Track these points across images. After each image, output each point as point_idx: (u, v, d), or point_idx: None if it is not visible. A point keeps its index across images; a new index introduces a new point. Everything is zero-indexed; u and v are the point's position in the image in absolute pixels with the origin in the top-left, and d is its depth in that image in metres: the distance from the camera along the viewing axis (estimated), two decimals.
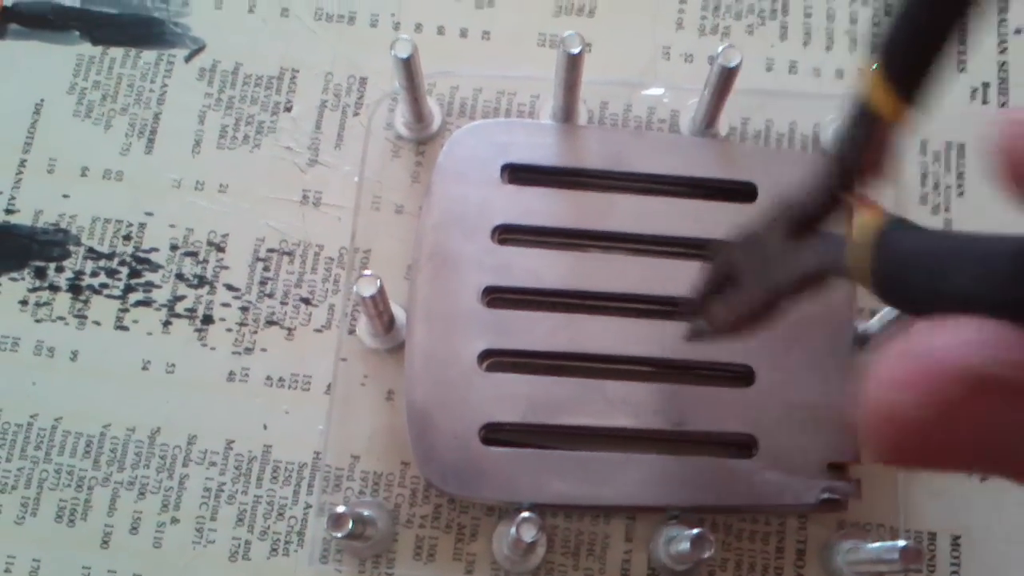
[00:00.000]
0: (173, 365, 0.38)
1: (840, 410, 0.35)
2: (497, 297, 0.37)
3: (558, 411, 0.35)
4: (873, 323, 0.36)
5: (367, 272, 0.33)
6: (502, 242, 0.37)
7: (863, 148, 0.26)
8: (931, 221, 0.40)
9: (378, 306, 0.34)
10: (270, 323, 0.38)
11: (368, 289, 0.33)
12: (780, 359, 0.36)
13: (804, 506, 0.35)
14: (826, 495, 0.35)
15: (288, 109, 0.41)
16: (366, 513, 0.34)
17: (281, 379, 0.38)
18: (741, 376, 0.36)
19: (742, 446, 0.35)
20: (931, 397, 0.17)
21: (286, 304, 0.38)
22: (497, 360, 0.36)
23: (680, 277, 0.36)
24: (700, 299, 0.33)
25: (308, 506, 0.36)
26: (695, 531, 0.32)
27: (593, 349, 0.36)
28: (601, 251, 0.38)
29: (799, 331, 0.36)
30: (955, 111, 0.41)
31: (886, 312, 0.36)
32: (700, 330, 0.33)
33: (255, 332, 0.38)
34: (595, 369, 0.36)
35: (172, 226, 0.39)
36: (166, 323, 0.38)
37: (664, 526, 0.36)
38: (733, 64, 0.35)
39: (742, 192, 0.38)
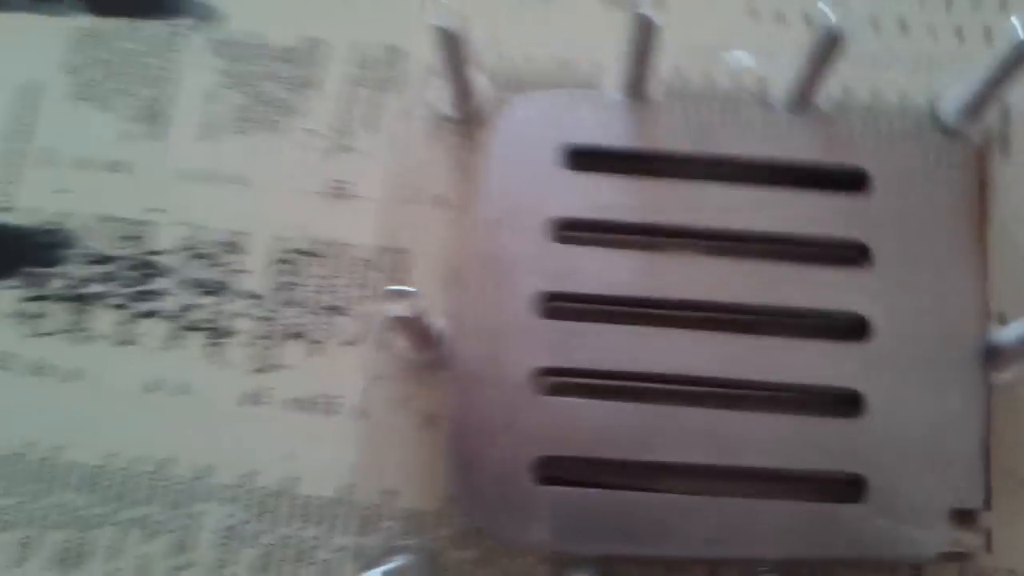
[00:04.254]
0: (185, 385, 0.33)
1: (967, 445, 0.30)
2: (557, 306, 0.31)
3: (627, 444, 0.30)
4: (1009, 332, 0.30)
5: (396, 286, 0.28)
6: (563, 240, 0.32)
7: None
8: None
9: (412, 324, 0.29)
10: (294, 335, 0.33)
11: (398, 306, 0.28)
12: (894, 382, 0.30)
13: (921, 558, 0.29)
14: (948, 548, 0.29)
15: (314, 86, 0.35)
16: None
17: (308, 401, 0.33)
18: (847, 403, 0.30)
19: (847, 487, 0.30)
20: None
21: (313, 314, 0.33)
22: (555, 381, 0.31)
23: (776, 282, 0.31)
24: None
25: (341, 548, 0.32)
26: None
27: (670, 369, 0.31)
28: (681, 251, 0.32)
29: (916, 346, 0.30)
30: None
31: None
32: None
33: (277, 346, 0.33)
34: (672, 393, 0.31)
35: (182, 224, 0.34)
36: (176, 336, 0.33)
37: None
38: (837, 31, 0.29)
39: (850, 180, 0.32)
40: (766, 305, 0.31)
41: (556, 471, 0.30)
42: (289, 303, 0.33)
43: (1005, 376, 0.31)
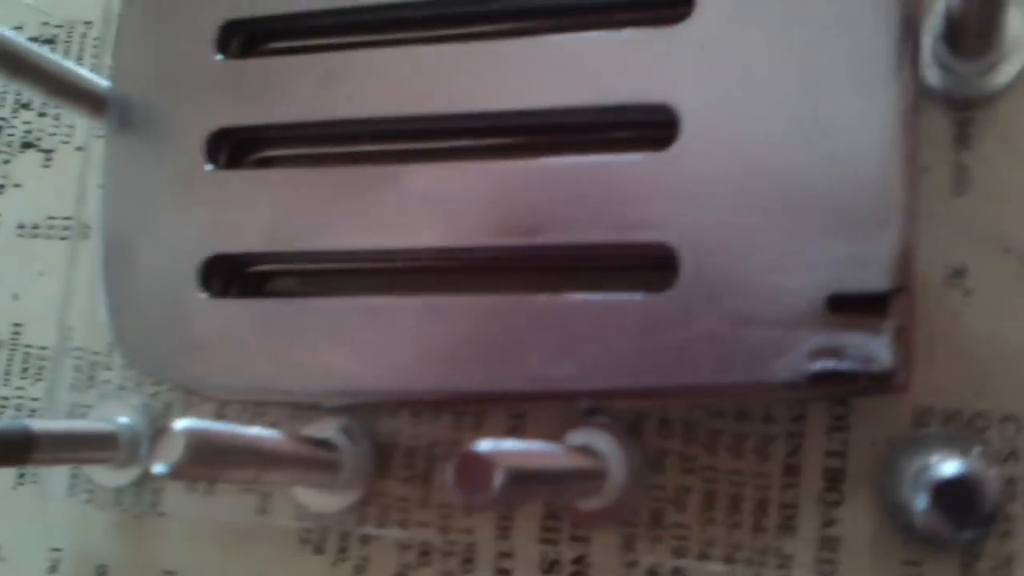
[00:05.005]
0: None
1: (864, 174, 0.16)
2: (249, 39, 0.21)
3: (323, 228, 0.19)
4: None
5: None
6: None
7: None
8: None
9: None
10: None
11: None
12: (727, 93, 0.17)
13: (781, 387, 0.17)
14: (821, 364, 0.16)
15: None
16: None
17: (36, 225, 0.25)
18: (656, 128, 0.18)
19: (656, 269, 0.17)
20: None
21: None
22: (238, 150, 0.21)
23: None
24: None
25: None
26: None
27: (396, 110, 0.20)
28: None
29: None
30: None
31: None
32: None
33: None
34: (391, 151, 0.20)
35: None
36: None
37: (572, 430, 0.19)
38: None
39: None
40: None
41: (241, 278, 0.20)
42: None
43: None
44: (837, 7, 0.17)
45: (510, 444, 0.16)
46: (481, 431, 0.20)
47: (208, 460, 0.16)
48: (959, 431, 0.18)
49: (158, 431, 0.16)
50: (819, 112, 0.16)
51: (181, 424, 0.16)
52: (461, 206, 0.18)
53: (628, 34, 0.18)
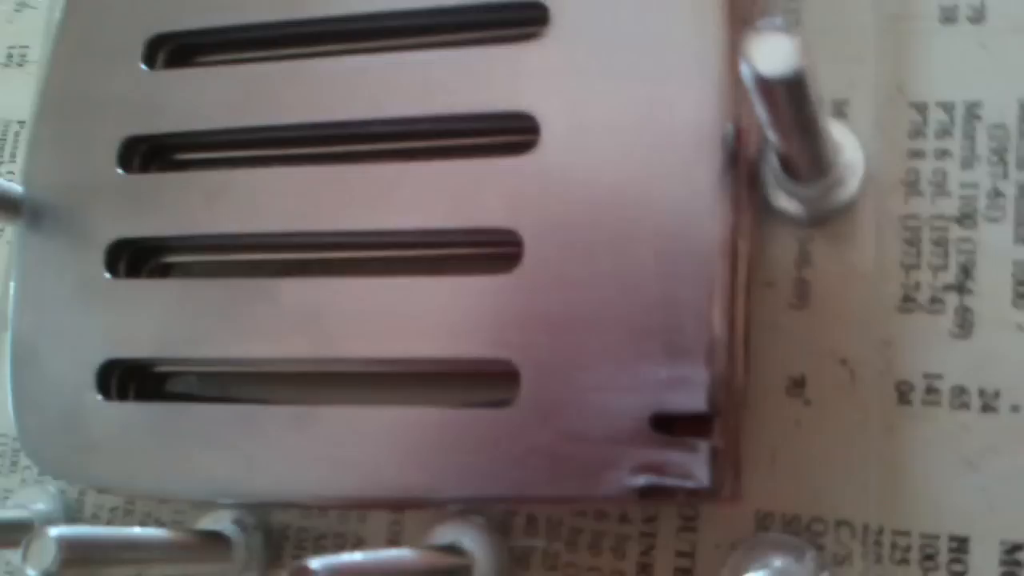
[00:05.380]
0: None
1: (687, 298, 0.17)
2: (149, 155, 0.22)
3: (207, 337, 0.21)
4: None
5: None
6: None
7: None
8: None
9: None
10: None
11: None
12: (566, 225, 0.18)
13: (609, 500, 0.18)
14: (644, 479, 0.17)
15: None
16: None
17: None
18: (502, 258, 0.19)
19: (499, 385, 0.19)
20: None
21: None
22: (136, 259, 0.22)
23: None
24: None
25: None
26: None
27: (278, 225, 0.21)
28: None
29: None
30: None
31: None
32: None
33: None
34: (273, 262, 0.21)
35: None
36: None
37: (440, 525, 0.20)
38: None
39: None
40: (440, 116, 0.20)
41: (139, 379, 0.22)
42: None
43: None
44: (661, 152, 0.18)
45: (357, 556, 0.17)
46: (365, 524, 0.21)
47: (83, 562, 0.17)
48: (798, 535, 0.19)
49: (31, 535, 0.17)
50: (645, 246, 0.17)
51: (54, 530, 0.17)
52: (331, 319, 0.19)
53: (479, 166, 0.19)
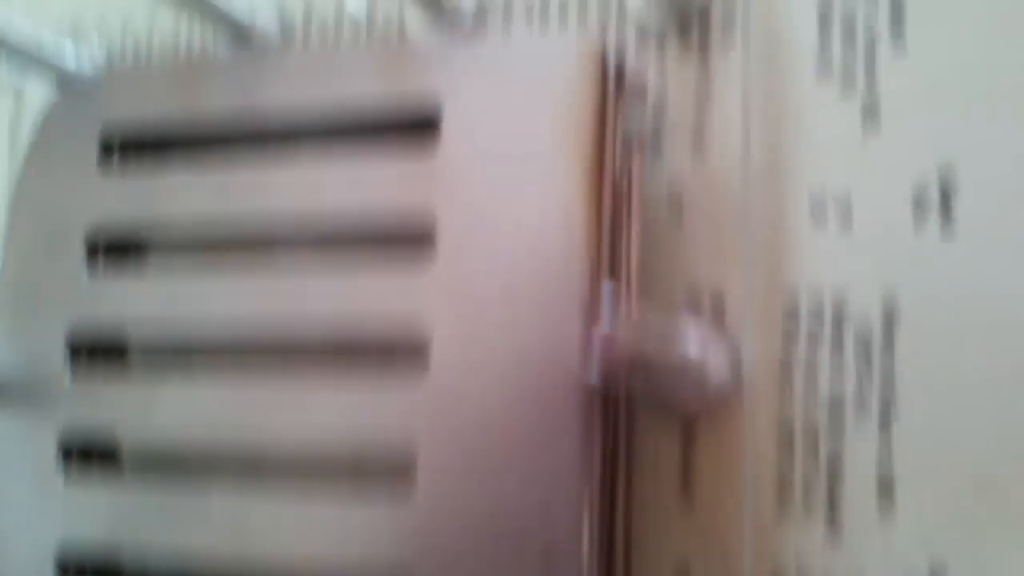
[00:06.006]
0: None
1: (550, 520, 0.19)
2: (90, 352, 0.24)
3: (156, 527, 0.22)
4: None
5: None
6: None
7: None
8: None
9: None
10: None
11: None
12: (460, 447, 0.20)
13: None
14: None
15: None
16: None
17: None
18: (397, 472, 0.20)
19: None
20: None
21: None
22: (87, 451, 0.24)
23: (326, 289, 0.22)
24: None
25: None
26: None
27: (206, 435, 0.23)
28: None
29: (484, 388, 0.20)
30: None
31: None
32: None
33: None
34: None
35: None
36: None
37: None
38: None
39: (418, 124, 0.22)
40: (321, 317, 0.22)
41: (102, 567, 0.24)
42: None
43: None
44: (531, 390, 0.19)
45: None
46: None
47: None
48: None
49: None
50: (521, 463, 0.19)
51: None
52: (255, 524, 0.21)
53: (371, 394, 0.20)
